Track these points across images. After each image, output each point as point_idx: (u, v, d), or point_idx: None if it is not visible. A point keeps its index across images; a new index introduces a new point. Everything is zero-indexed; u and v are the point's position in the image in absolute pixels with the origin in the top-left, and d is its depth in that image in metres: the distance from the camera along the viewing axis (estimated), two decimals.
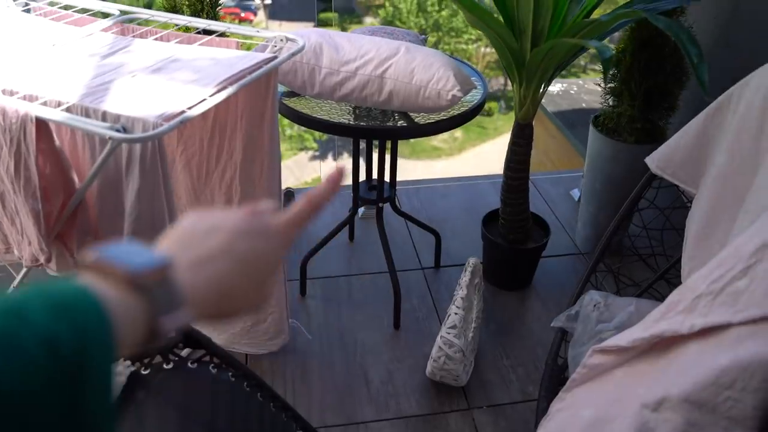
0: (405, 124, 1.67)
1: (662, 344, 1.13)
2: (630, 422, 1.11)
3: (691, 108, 1.43)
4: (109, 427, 0.38)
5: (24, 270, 1.48)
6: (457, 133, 12.78)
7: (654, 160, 1.54)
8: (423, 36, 1.90)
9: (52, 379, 0.34)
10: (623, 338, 1.20)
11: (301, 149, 11.51)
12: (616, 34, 2.07)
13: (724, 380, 0.93)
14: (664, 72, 1.94)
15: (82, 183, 1.24)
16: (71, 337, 0.36)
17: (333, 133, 1.71)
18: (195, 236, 0.51)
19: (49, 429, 0.35)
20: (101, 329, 0.38)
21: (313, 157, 11.38)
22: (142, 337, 0.43)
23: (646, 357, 1.18)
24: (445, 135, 12.87)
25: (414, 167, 11.59)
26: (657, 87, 1.96)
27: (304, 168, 10.91)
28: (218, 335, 1.87)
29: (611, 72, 2.05)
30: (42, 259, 1.31)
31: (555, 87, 5.40)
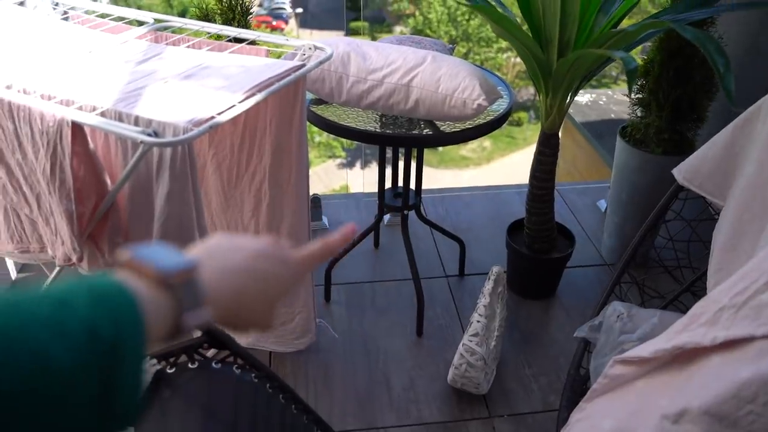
0: (431, 132, 1.69)
1: (684, 356, 1.12)
2: None
3: (720, 119, 1.42)
4: (134, 413, 0.42)
5: (57, 269, 1.52)
6: (486, 142, 12.76)
7: (681, 172, 1.53)
8: (450, 45, 1.92)
9: (91, 361, 0.39)
10: (645, 349, 1.20)
11: (330, 157, 11.58)
12: (648, 44, 2.06)
13: (745, 394, 0.93)
14: (692, 83, 1.93)
15: (114, 185, 1.28)
16: (109, 325, 0.40)
17: (359, 141, 1.73)
18: (222, 250, 0.57)
19: (86, 406, 0.39)
20: (134, 321, 0.43)
21: (341, 165, 11.45)
22: (168, 331, 0.48)
23: (668, 369, 1.18)
24: (473, 144, 12.87)
25: (442, 176, 11.60)
26: (685, 98, 1.95)
27: (332, 175, 10.98)
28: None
29: (639, 82, 2.05)
30: (74, 259, 1.35)
31: (584, 97, 5.37)
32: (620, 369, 1.27)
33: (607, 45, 1.51)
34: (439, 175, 11.48)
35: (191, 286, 0.50)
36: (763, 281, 0.98)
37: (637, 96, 2.08)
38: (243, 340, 1.92)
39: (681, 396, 1.07)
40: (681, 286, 1.74)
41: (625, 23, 1.73)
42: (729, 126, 1.41)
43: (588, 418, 1.33)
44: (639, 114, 2.10)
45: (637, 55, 2.09)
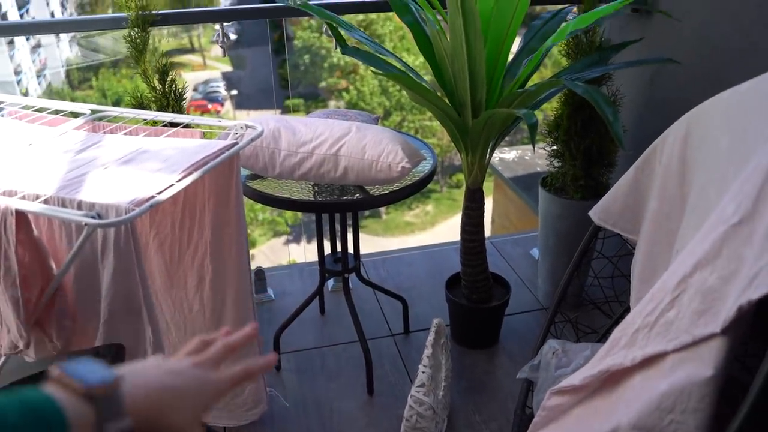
0: (361, 197, 1.79)
1: (612, 379, 1.21)
2: None
3: (628, 163, 1.56)
4: None
5: (2, 359, 1.53)
6: (428, 206, 13.01)
7: (596, 213, 1.65)
8: (375, 116, 2.05)
9: None
10: (576, 378, 1.28)
11: (275, 235, 11.60)
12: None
13: (665, 405, 1.01)
14: (599, 132, 2.10)
15: (59, 269, 1.32)
16: None
17: (295, 210, 1.82)
18: (145, 367, 0.64)
19: None
20: (61, 429, 0.50)
21: (287, 241, 11.47)
22: None
23: (599, 393, 1.26)
24: (417, 210, 13.11)
25: (389, 244, 11.72)
26: (594, 146, 2.12)
27: (278, 252, 10.98)
28: None
29: (553, 135, 2.21)
30: (21, 345, 1.37)
31: (510, 155, 5.64)
32: (556, 400, 1.35)
33: (514, 104, 1.66)
34: (385, 243, 11.60)
35: (112, 398, 0.56)
36: (668, 300, 1.08)
37: (552, 148, 2.25)
38: None
39: (612, 416, 1.16)
40: (611, 319, 1.84)
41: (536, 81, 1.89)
42: (631, 168, 1.55)
43: None
44: (556, 164, 2.26)
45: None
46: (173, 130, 1.63)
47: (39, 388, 0.53)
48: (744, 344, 1.31)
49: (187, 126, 1.68)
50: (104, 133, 1.65)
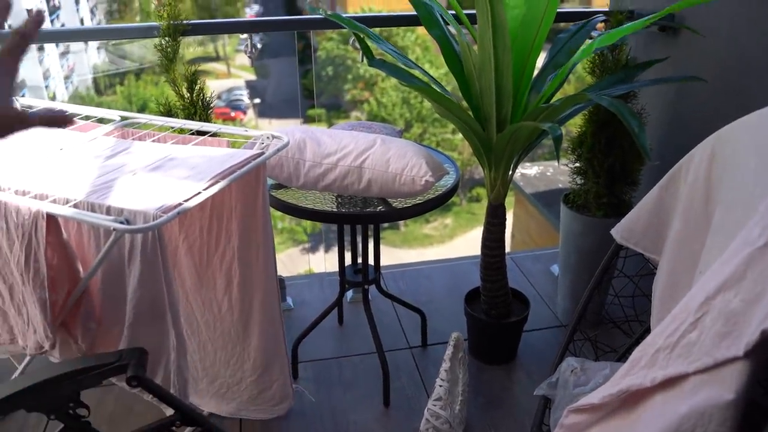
0: (384, 209, 1.80)
1: (631, 399, 1.20)
2: None
3: (651, 182, 1.56)
4: None
5: (27, 359, 1.56)
6: (447, 220, 13.01)
7: (618, 232, 1.64)
8: (399, 129, 2.06)
9: None
10: (594, 396, 1.28)
11: (293, 243, 11.66)
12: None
13: (685, 427, 1.01)
14: (622, 150, 2.10)
15: (86, 272, 1.35)
16: None
17: (317, 220, 1.83)
18: None
19: None
20: None
21: (305, 250, 11.51)
22: None
23: (618, 413, 1.26)
24: (435, 223, 13.11)
25: (407, 256, 11.70)
26: (618, 164, 2.11)
27: (296, 261, 11.02)
28: (226, 404, 1.94)
29: (576, 153, 2.21)
30: (47, 346, 1.39)
31: (532, 170, 5.63)
32: (574, 418, 1.34)
33: (539, 119, 1.66)
34: (403, 255, 11.60)
35: None
36: (690, 321, 1.08)
37: (575, 165, 2.25)
38: (223, 409, 1.96)
39: None
40: (631, 339, 1.83)
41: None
42: (656, 187, 1.54)
43: None
44: (578, 181, 2.26)
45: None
46: (201, 138, 1.66)
47: None
48: (766, 368, 1.30)
49: (214, 135, 1.71)
50: (133, 139, 1.68)
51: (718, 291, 1.02)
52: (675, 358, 1.09)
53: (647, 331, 1.81)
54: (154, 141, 1.66)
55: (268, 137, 1.64)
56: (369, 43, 1.88)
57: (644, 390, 1.16)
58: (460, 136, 1.85)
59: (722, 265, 1.06)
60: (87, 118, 1.76)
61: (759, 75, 1.86)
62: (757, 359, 0.94)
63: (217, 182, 1.38)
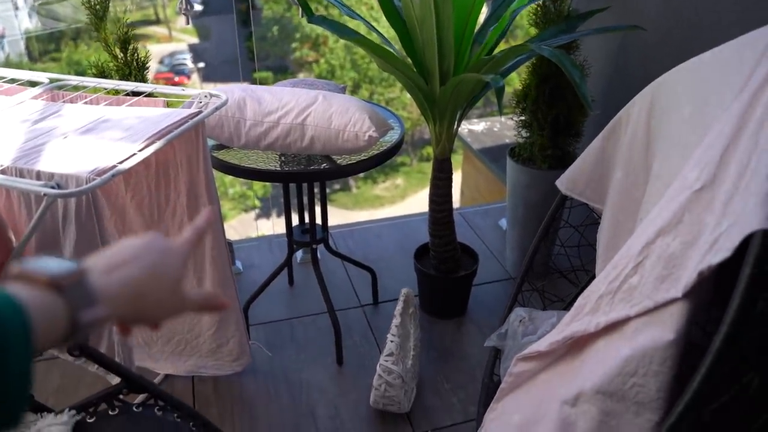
0: (328, 167, 1.78)
1: (576, 345, 1.23)
2: (553, 420, 1.20)
3: (594, 133, 1.57)
4: (20, 412, 0.48)
5: None
6: (398, 180, 12.99)
7: (563, 183, 1.66)
8: (342, 86, 2.03)
9: None
10: (541, 344, 1.30)
11: (244, 209, 11.51)
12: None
13: (628, 369, 1.03)
14: (566, 102, 2.11)
15: (19, 241, 1.30)
16: None
17: (261, 180, 1.80)
18: (110, 251, 0.62)
19: None
20: (18, 321, 0.48)
21: (257, 216, 11.39)
22: (65, 330, 0.53)
23: (564, 359, 1.28)
24: (386, 183, 13.08)
25: (358, 217, 11.68)
26: (562, 116, 2.12)
27: (248, 227, 10.89)
28: (184, 362, 1.93)
29: (521, 106, 2.22)
30: None
31: (479, 126, 5.64)
32: (522, 366, 1.37)
33: (482, 72, 1.65)
34: (354, 216, 11.57)
35: (81, 286, 0.54)
36: (631, 266, 1.09)
37: (520, 118, 2.25)
38: (181, 368, 1.95)
39: (576, 381, 1.17)
40: (577, 287, 1.86)
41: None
42: (598, 137, 1.56)
43: (500, 416, 1.41)
44: (524, 135, 2.27)
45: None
46: (135, 99, 1.60)
47: (2, 288, 0.51)
48: (705, 311, 1.34)
49: (150, 95, 1.65)
50: (64, 102, 1.61)
51: (657, 235, 1.04)
52: (617, 302, 1.11)
53: (593, 279, 1.84)
54: (85, 103, 1.60)
55: (206, 96, 1.59)
56: None
57: (589, 335, 1.18)
58: (409, 95, 1.83)
59: (660, 210, 1.08)
60: (13, 81, 1.68)
61: (698, 27, 1.88)
62: (695, 300, 0.96)
63: (153, 143, 1.33)
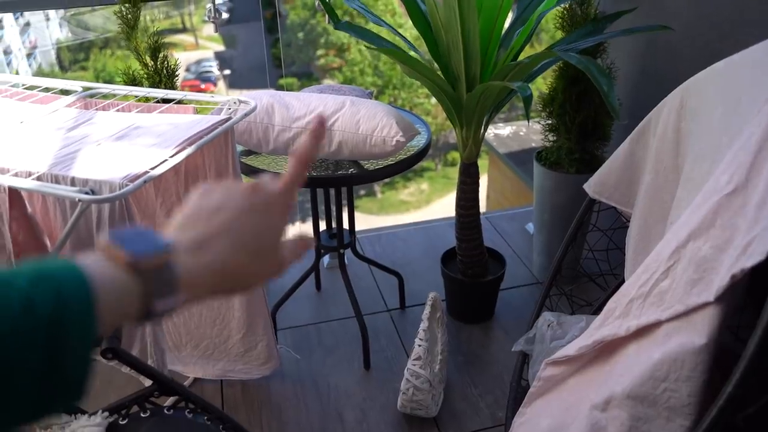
0: (356, 171, 1.79)
1: (606, 350, 1.22)
2: (583, 424, 1.19)
3: (622, 136, 1.56)
4: (82, 382, 0.45)
5: None
6: (423, 185, 13.00)
7: (591, 186, 1.65)
8: (369, 91, 2.04)
9: (29, 335, 0.41)
10: (570, 348, 1.29)
11: None
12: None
13: (659, 373, 1.02)
14: (593, 105, 2.10)
15: (54, 246, 1.32)
16: (48, 300, 0.42)
17: None
18: (200, 216, 0.55)
19: (29, 378, 0.42)
20: (81, 299, 0.44)
21: None
22: (136, 315, 0.49)
23: (594, 363, 1.27)
24: (412, 188, 13.08)
25: (384, 222, 11.69)
26: (589, 119, 2.11)
27: None
28: (213, 366, 1.95)
29: (547, 110, 2.21)
30: None
31: (505, 131, 5.63)
32: (551, 370, 1.36)
33: (508, 77, 1.65)
34: (380, 222, 11.59)
35: (164, 271, 0.49)
36: (662, 270, 1.09)
37: (546, 122, 2.24)
38: (210, 372, 1.98)
39: (606, 385, 1.17)
40: (606, 292, 1.85)
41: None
42: (626, 140, 1.55)
43: (528, 421, 1.41)
44: (551, 138, 2.26)
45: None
46: (166, 106, 1.62)
47: (63, 259, 0.46)
48: (737, 315, 1.33)
49: (180, 102, 1.67)
50: (96, 110, 1.64)
51: (688, 239, 1.03)
52: (648, 306, 1.10)
53: (622, 283, 1.82)
54: (118, 111, 1.63)
55: (235, 102, 1.61)
56: (335, 5, 1.84)
57: (619, 339, 1.17)
58: (433, 101, 1.83)
59: (692, 213, 1.07)
60: (47, 90, 1.71)
61: (726, 28, 1.86)
62: (728, 304, 0.95)
63: (183, 149, 1.35)
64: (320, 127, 0.61)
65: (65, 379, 0.43)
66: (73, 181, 1.23)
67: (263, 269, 0.57)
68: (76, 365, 0.44)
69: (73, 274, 0.44)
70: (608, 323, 1.20)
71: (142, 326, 0.50)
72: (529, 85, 1.41)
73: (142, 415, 1.34)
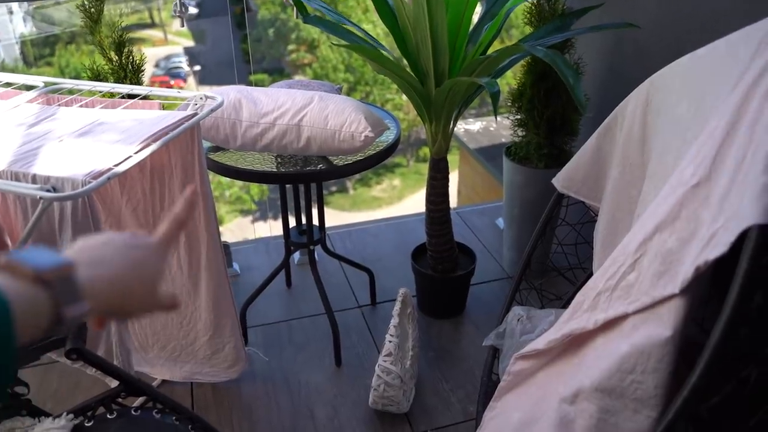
0: (325, 167, 1.77)
1: (575, 343, 1.23)
2: (552, 418, 1.20)
3: (590, 131, 1.57)
4: (3, 395, 0.48)
5: None
6: (395, 181, 13.00)
7: (559, 181, 1.66)
8: (338, 86, 2.02)
9: None
10: (539, 342, 1.30)
11: (241, 212, 11.49)
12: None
13: (626, 366, 1.03)
14: (561, 101, 2.11)
15: (15, 244, 1.29)
16: None
17: (257, 182, 1.80)
18: (94, 245, 0.62)
19: None
20: (1, 316, 0.47)
21: (254, 219, 11.37)
22: (48, 324, 0.53)
23: (563, 356, 1.28)
24: (383, 185, 13.10)
25: (356, 219, 11.64)
26: (557, 115, 2.13)
27: (245, 230, 10.88)
28: (180, 368, 1.92)
29: (516, 105, 2.22)
30: None
31: (475, 126, 5.65)
32: (521, 364, 1.36)
33: (476, 72, 1.65)
34: (352, 218, 11.55)
35: (67, 280, 0.54)
36: (629, 263, 1.09)
37: (515, 117, 2.25)
38: (177, 374, 1.95)
39: (574, 378, 1.17)
40: (575, 286, 1.86)
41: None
42: (593, 135, 1.56)
43: (499, 415, 1.41)
44: (520, 134, 2.27)
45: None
46: (131, 101, 1.59)
47: None
48: (702, 307, 1.34)
49: (146, 98, 1.65)
50: (59, 105, 1.60)
51: (654, 232, 1.04)
52: (615, 299, 1.11)
53: (590, 277, 1.84)
54: (81, 106, 1.59)
55: (201, 98, 1.58)
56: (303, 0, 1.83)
57: (587, 333, 1.17)
58: (404, 97, 1.83)
59: (657, 206, 1.08)
60: (8, 85, 1.67)
61: (693, 23, 1.88)
62: (693, 296, 0.96)
63: (148, 145, 1.33)
64: (193, 195, 0.71)
65: None
66: (34, 179, 1.21)
67: (147, 297, 0.64)
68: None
69: None
70: (576, 317, 1.21)
71: (52, 334, 0.55)
72: (499, 80, 1.41)
73: (108, 416, 1.32)
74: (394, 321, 1.89)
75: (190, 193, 0.71)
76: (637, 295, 1.04)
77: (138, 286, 0.62)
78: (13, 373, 0.48)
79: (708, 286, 1.13)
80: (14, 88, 1.65)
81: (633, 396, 1.02)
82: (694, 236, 0.95)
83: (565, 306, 1.83)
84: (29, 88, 1.67)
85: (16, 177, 1.22)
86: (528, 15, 2.12)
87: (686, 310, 0.95)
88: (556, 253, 1.95)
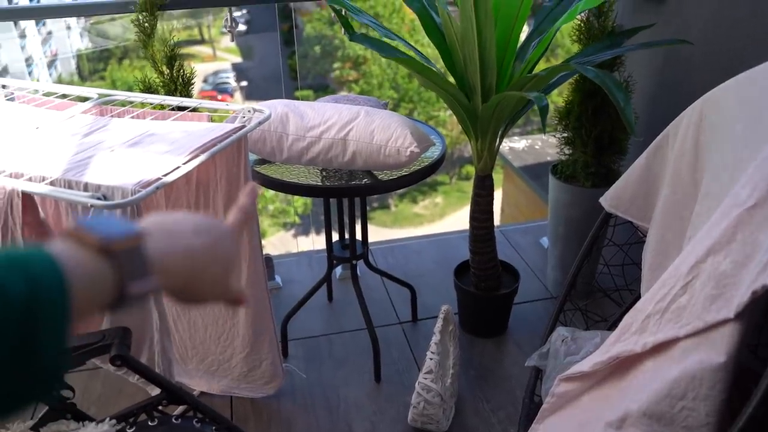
0: (370, 182, 1.78)
1: (622, 366, 1.19)
2: None
3: (639, 150, 1.54)
4: (58, 370, 0.44)
5: None
6: (438, 198, 13.00)
7: (607, 200, 1.63)
8: (383, 102, 2.03)
9: (1, 319, 0.40)
10: (585, 364, 1.27)
11: (284, 225, 11.60)
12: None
13: (676, 391, 1.00)
14: (610, 119, 2.08)
15: None
16: (20, 285, 0.41)
17: (302, 195, 1.81)
18: (169, 218, 0.57)
19: (4, 362, 0.41)
20: (54, 282, 0.43)
21: (296, 233, 11.47)
22: (111, 298, 0.49)
23: (609, 380, 1.25)
24: (425, 202, 13.10)
25: (398, 235, 11.67)
26: (605, 133, 2.09)
27: (288, 243, 10.98)
28: (217, 382, 1.93)
29: (563, 123, 2.19)
30: None
31: (520, 144, 5.62)
32: (565, 386, 1.34)
33: (524, 89, 1.64)
34: (393, 235, 11.58)
35: (136, 253, 0.50)
36: (680, 286, 1.06)
37: (563, 135, 2.22)
38: (214, 387, 1.96)
39: (621, 402, 1.14)
40: (621, 307, 1.82)
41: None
42: (643, 154, 1.53)
43: None
44: (566, 152, 2.24)
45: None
46: (180, 113, 1.62)
47: (35, 245, 0.46)
48: (756, 332, 1.30)
49: (195, 110, 1.68)
50: (111, 116, 1.64)
51: (707, 254, 1.01)
52: (665, 323, 1.08)
53: (638, 299, 1.80)
54: (132, 117, 1.63)
55: (249, 111, 1.60)
56: (350, 17, 1.84)
57: (635, 356, 1.14)
58: (448, 113, 1.82)
59: (711, 228, 1.04)
60: (64, 96, 1.72)
61: (746, 37, 1.84)
62: (748, 321, 0.93)
63: (196, 156, 1.35)
64: (254, 189, 0.67)
65: (40, 365, 0.42)
66: (85, 187, 1.23)
67: (218, 282, 0.59)
68: (50, 351, 0.43)
69: (44, 258, 0.44)
70: (624, 339, 1.18)
71: (119, 312, 0.50)
72: (547, 99, 1.39)
73: (149, 423, 1.33)
74: (436, 338, 1.87)
75: (252, 187, 0.67)
76: (688, 319, 1.01)
77: (212, 268, 0.57)
78: (68, 362, 0.44)
79: (763, 311, 1.09)
80: (70, 99, 1.70)
81: (683, 423, 0.99)
82: (750, 259, 0.92)
83: (612, 328, 1.79)
84: (84, 99, 1.71)
85: (68, 185, 1.25)
86: (576, 32, 2.10)
87: (740, 336, 0.91)
88: (602, 274, 1.91)
